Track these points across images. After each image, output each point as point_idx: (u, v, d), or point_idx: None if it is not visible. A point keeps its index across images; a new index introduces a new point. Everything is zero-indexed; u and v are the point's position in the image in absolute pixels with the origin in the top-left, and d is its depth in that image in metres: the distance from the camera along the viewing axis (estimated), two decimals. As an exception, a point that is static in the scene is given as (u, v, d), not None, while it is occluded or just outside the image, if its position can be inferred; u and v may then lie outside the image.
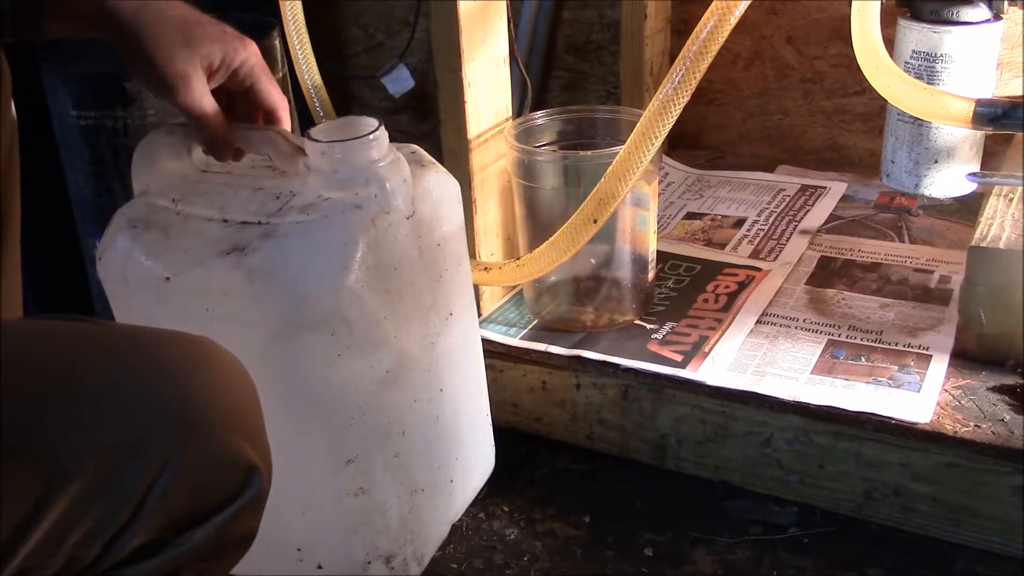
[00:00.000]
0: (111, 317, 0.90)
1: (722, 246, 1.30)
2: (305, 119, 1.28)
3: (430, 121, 1.78)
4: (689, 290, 1.20)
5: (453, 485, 0.98)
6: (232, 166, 0.90)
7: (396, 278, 0.85)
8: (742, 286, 1.19)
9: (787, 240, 1.29)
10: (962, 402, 0.98)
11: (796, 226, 1.33)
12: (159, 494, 0.55)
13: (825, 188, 1.43)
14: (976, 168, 1.15)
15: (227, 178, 0.89)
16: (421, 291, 0.88)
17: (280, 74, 1.32)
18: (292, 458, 0.79)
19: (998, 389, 0.99)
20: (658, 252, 1.18)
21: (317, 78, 1.25)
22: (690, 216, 1.39)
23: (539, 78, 1.69)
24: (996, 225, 1.03)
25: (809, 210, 1.37)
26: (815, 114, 1.55)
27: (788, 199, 1.41)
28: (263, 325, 0.81)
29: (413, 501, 0.92)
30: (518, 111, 1.41)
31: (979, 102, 0.95)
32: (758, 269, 1.23)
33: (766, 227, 1.33)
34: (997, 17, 1.09)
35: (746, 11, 0.93)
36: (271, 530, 0.67)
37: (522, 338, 1.14)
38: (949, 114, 0.96)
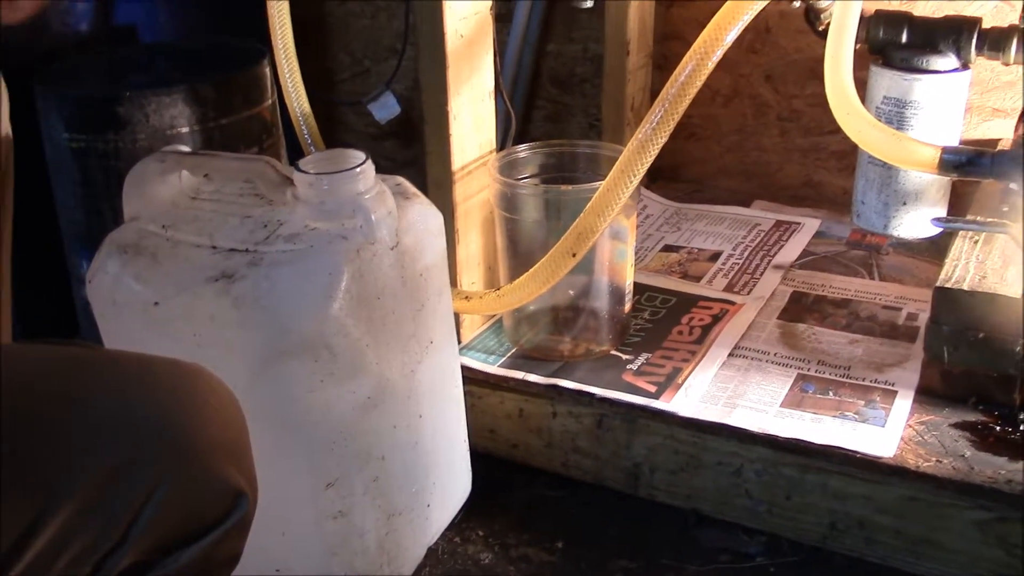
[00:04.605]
0: (97, 337, 0.92)
1: (698, 279, 1.33)
2: (293, 146, 1.31)
3: (415, 148, 1.81)
4: (664, 322, 1.22)
5: (430, 509, 1.00)
6: (222, 194, 0.92)
7: (379, 307, 0.87)
8: (716, 319, 1.22)
9: (761, 274, 1.33)
10: (925, 437, 1.01)
11: (770, 261, 1.36)
12: (149, 517, 0.57)
13: (799, 224, 1.47)
14: (943, 210, 1.19)
15: (216, 205, 0.91)
16: (403, 320, 0.91)
17: (270, 101, 1.34)
18: (273, 481, 0.81)
19: (960, 425, 1.02)
20: (635, 284, 1.20)
21: (306, 106, 1.27)
22: (667, 249, 1.42)
23: (523, 109, 1.72)
24: (961, 266, 1.06)
25: (783, 245, 1.41)
26: (791, 151, 1.59)
27: (763, 234, 1.44)
28: (248, 351, 0.83)
29: (390, 524, 0.94)
30: (502, 141, 1.44)
31: (945, 149, 0.98)
32: (732, 303, 1.26)
33: (741, 261, 1.36)
34: (965, 66, 1.14)
35: (726, 50, 0.97)
36: (251, 551, 0.69)
37: (500, 366, 1.16)
38: (916, 160, 1.00)
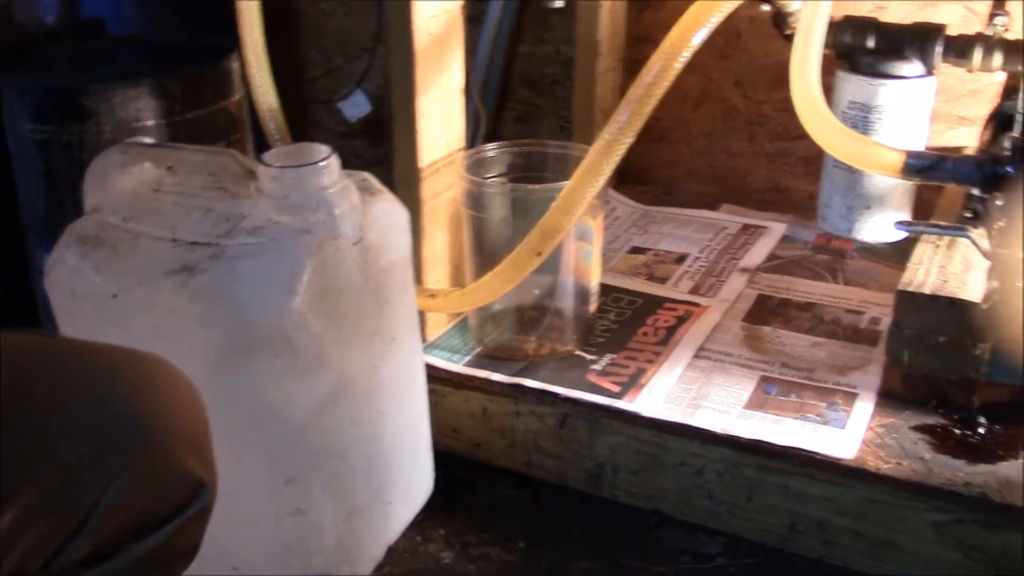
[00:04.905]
0: (55, 329, 0.91)
1: (664, 281, 1.33)
2: (261, 142, 1.30)
3: (385, 146, 1.80)
4: (630, 323, 1.23)
5: (391, 507, 0.99)
6: (185, 186, 0.91)
7: (342, 302, 0.87)
8: (681, 321, 1.23)
9: (727, 277, 1.33)
10: (885, 440, 1.01)
11: (736, 264, 1.37)
12: (109, 506, 0.56)
13: (766, 228, 1.47)
14: (907, 215, 1.21)
15: (179, 198, 0.90)
16: (366, 316, 0.90)
17: (237, 96, 1.33)
18: (232, 476, 0.80)
19: (920, 428, 1.03)
20: (602, 285, 1.21)
21: (274, 101, 1.27)
22: (634, 250, 1.42)
23: (493, 109, 1.72)
24: (923, 271, 1.07)
25: (749, 249, 1.41)
26: (759, 156, 1.60)
27: (730, 237, 1.45)
28: (209, 345, 0.83)
29: (350, 522, 0.94)
30: (471, 141, 1.44)
31: (909, 154, 1.00)
32: (697, 305, 1.26)
33: (707, 264, 1.37)
34: (930, 73, 1.15)
35: (696, 54, 0.97)
36: (208, 548, 0.68)
37: (465, 364, 1.16)
38: (881, 164, 1.01)
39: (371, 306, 0.91)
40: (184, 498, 0.61)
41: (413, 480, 1.04)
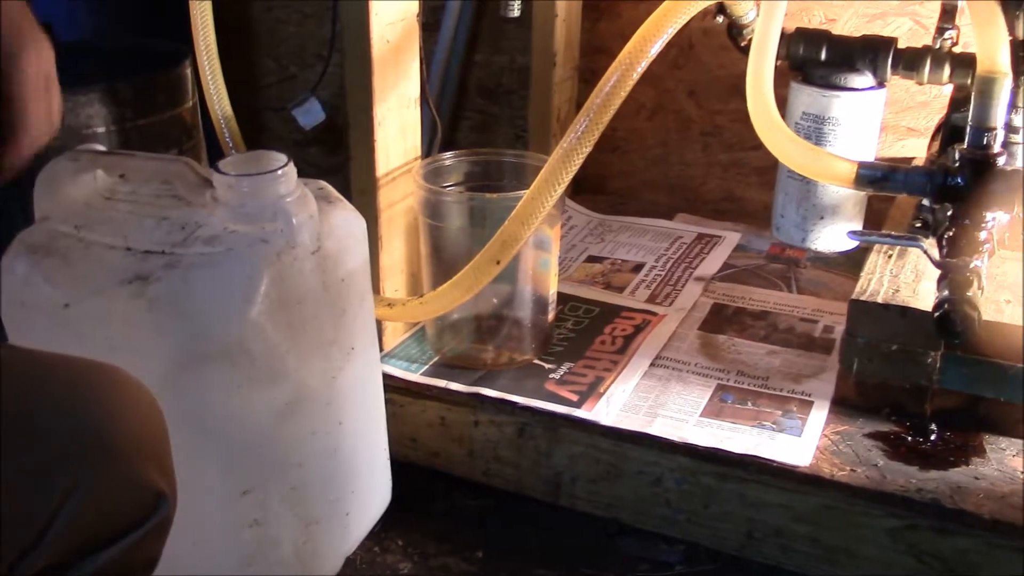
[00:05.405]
0: (4, 340, 0.89)
1: (620, 290, 1.34)
2: (214, 149, 1.29)
3: (340, 155, 1.80)
4: (587, 332, 1.23)
5: (348, 518, 0.99)
6: (138, 195, 0.90)
7: (299, 312, 0.86)
8: (638, 329, 1.23)
9: (683, 286, 1.34)
10: (840, 447, 1.03)
11: (692, 273, 1.38)
12: (67, 518, 0.55)
13: (720, 237, 1.49)
14: (859, 225, 1.22)
15: (132, 206, 0.89)
16: (324, 325, 0.89)
17: (190, 103, 1.32)
18: (188, 488, 0.79)
19: (873, 436, 1.05)
20: (559, 294, 1.21)
21: (228, 109, 1.25)
22: (591, 259, 1.43)
23: (449, 118, 1.72)
24: (875, 280, 1.08)
25: (704, 258, 1.42)
26: (713, 166, 1.61)
27: (685, 246, 1.46)
28: (164, 355, 0.81)
29: (308, 533, 0.93)
30: (427, 149, 1.43)
31: (861, 165, 1.01)
32: (654, 313, 1.27)
33: (663, 273, 1.38)
34: (881, 85, 1.17)
35: (651, 64, 0.98)
36: (164, 560, 0.67)
37: (423, 374, 1.15)
38: (834, 174, 1.02)
39: (329, 316, 0.90)
40: (144, 510, 0.60)
41: (371, 490, 1.03)
